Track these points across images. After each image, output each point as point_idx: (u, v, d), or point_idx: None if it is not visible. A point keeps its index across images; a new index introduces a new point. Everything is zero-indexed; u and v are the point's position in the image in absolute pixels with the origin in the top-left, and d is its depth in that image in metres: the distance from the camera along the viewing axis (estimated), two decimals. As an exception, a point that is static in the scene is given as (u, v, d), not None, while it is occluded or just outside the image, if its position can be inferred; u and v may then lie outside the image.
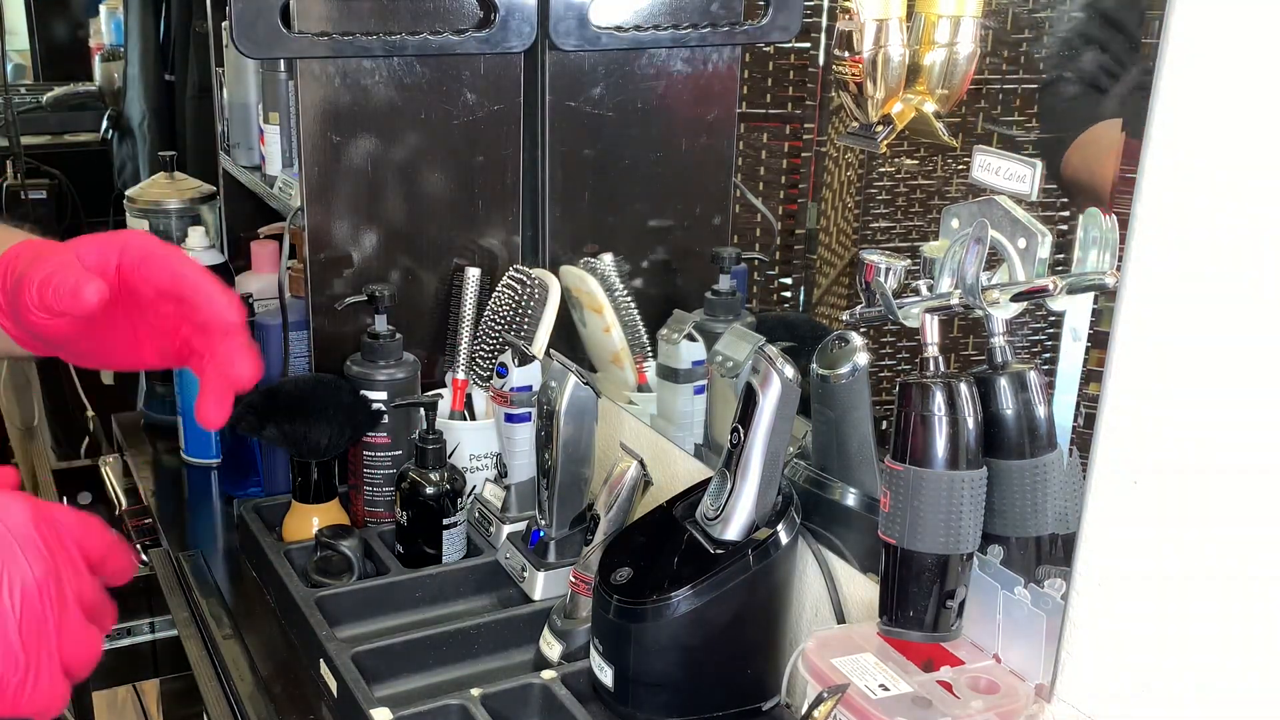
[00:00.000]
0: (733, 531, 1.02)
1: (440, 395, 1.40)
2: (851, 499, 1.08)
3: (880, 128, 1.06)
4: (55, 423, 3.33)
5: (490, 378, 1.38)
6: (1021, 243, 0.85)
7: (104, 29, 3.75)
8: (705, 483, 1.07)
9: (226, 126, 1.71)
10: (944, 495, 0.84)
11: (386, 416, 1.37)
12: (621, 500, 1.14)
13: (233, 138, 1.69)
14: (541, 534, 1.25)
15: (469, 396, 1.45)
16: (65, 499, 2.38)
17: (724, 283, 1.33)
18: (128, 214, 1.82)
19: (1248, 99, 0.70)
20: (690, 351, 1.33)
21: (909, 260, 0.90)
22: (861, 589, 1.05)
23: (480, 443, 1.41)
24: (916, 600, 0.86)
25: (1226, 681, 0.76)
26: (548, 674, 1.08)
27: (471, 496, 1.39)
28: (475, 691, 1.05)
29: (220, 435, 1.65)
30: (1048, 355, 0.89)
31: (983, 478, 0.85)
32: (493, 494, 1.36)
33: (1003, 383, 0.86)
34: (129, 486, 1.76)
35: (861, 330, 1.03)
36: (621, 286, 1.42)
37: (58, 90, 3.71)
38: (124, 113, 3.16)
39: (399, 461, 1.37)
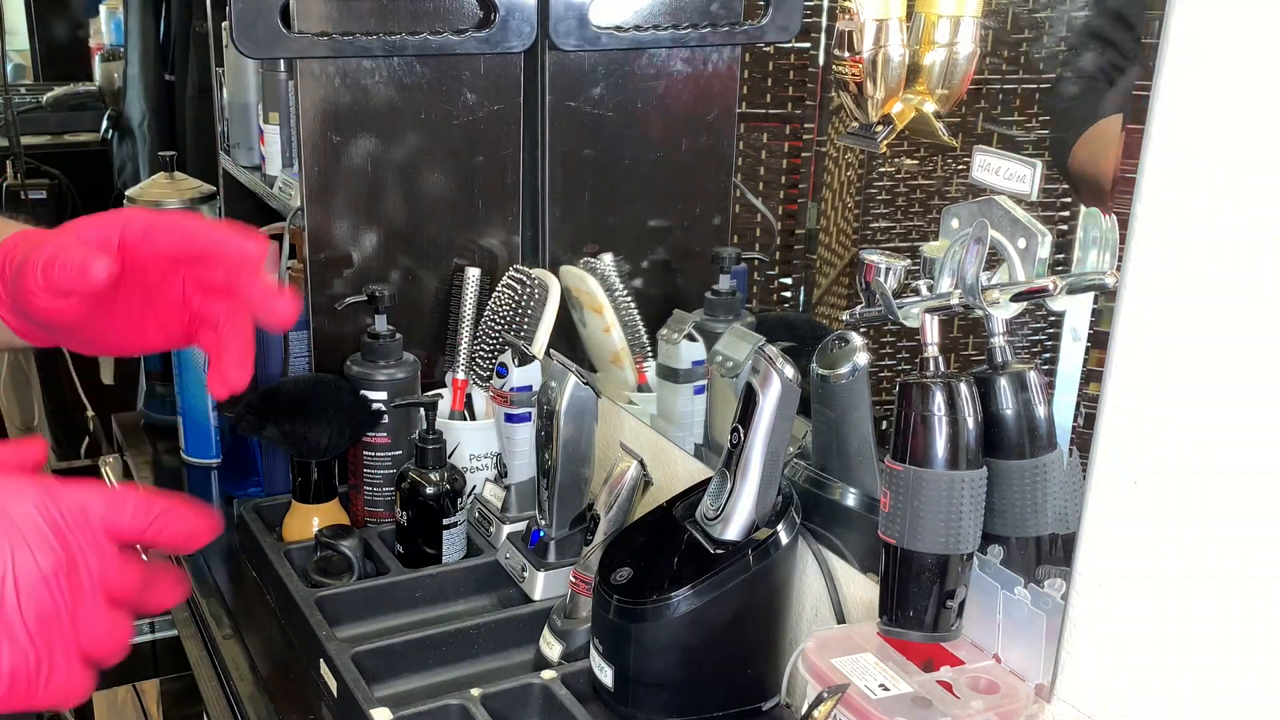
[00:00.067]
0: (733, 531, 1.02)
1: (440, 395, 1.40)
2: (851, 499, 1.08)
3: (880, 128, 1.06)
4: (55, 423, 3.33)
5: (490, 378, 1.38)
6: (1021, 243, 0.85)
7: (104, 29, 3.75)
8: (705, 483, 1.07)
9: (226, 126, 1.71)
10: (944, 495, 0.84)
11: (386, 416, 1.37)
12: (621, 500, 1.14)
13: (233, 138, 1.69)
14: (541, 534, 1.25)
15: (469, 396, 1.45)
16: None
17: (724, 283, 1.33)
18: (128, 214, 1.82)
19: (1248, 99, 0.70)
20: (690, 351, 1.33)
21: (909, 260, 0.90)
22: (861, 589, 1.05)
23: (480, 443, 1.41)
24: (916, 600, 0.86)
25: (1226, 681, 0.76)
26: (548, 674, 1.08)
27: (471, 496, 1.39)
28: (475, 691, 1.05)
29: (220, 435, 1.65)
30: (1048, 355, 0.89)
31: (983, 478, 0.85)
32: (493, 494, 1.36)
33: (1003, 383, 0.86)
34: (129, 486, 1.76)
35: (861, 330, 1.03)
36: (621, 286, 1.42)
37: (58, 90, 3.71)
38: (124, 113, 3.16)
39: (399, 461, 1.37)
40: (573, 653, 1.12)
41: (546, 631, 1.16)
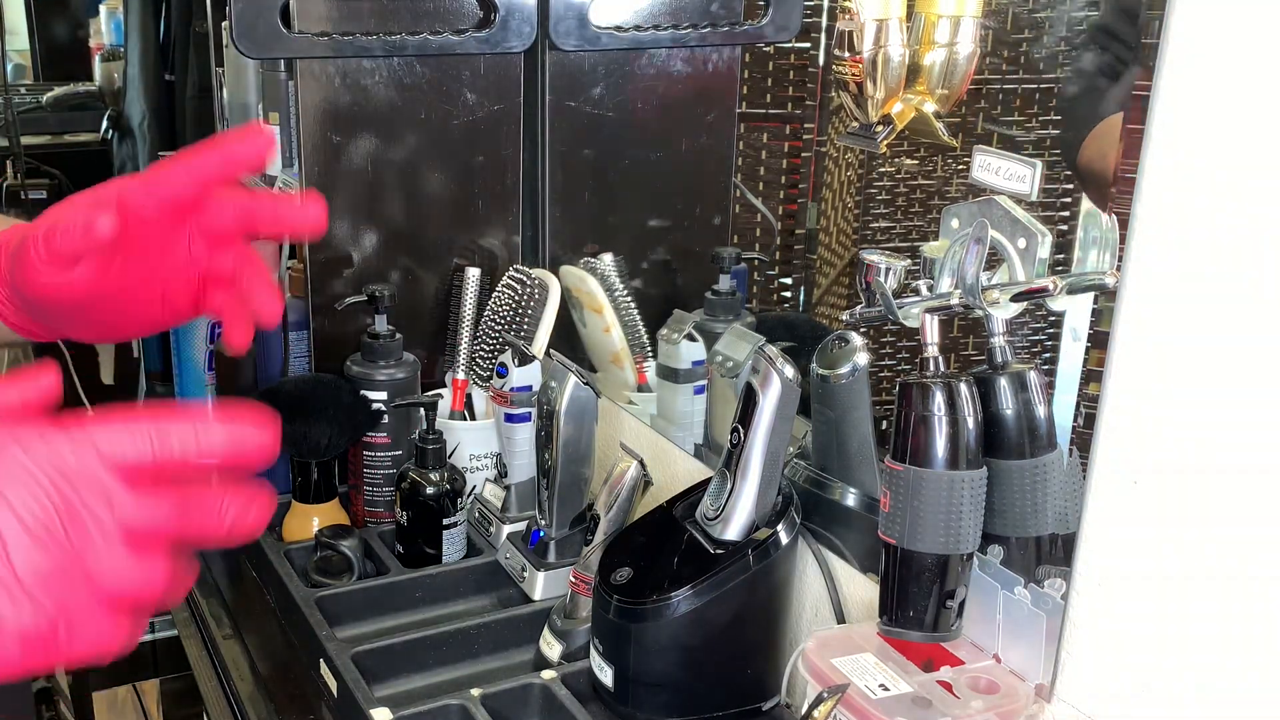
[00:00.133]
0: (733, 531, 1.02)
1: (440, 395, 1.40)
2: (851, 499, 1.08)
3: (880, 128, 1.06)
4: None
5: (490, 378, 1.38)
6: (1021, 243, 0.85)
7: (104, 29, 3.75)
8: (705, 483, 1.07)
9: (226, 126, 1.71)
10: (944, 495, 0.84)
11: (386, 416, 1.37)
12: (621, 500, 1.14)
13: (233, 138, 1.69)
14: (541, 534, 1.25)
15: (469, 396, 1.45)
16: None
17: (724, 283, 1.33)
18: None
19: (1248, 99, 0.70)
20: (690, 351, 1.33)
21: (909, 260, 0.90)
22: (861, 589, 1.05)
23: (480, 443, 1.41)
24: (916, 600, 0.86)
25: (1226, 681, 0.76)
26: (548, 674, 1.08)
27: (471, 496, 1.39)
28: (475, 691, 1.05)
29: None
30: (1048, 355, 0.89)
31: (983, 478, 0.85)
32: (493, 494, 1.36)
33: (1003, 383, 0.86)
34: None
35: (861, 330, 1.03)
36: (621, 286, 1.42)
37: (58, 90, 3.71)
38: (124, 113, 3.16)
39: (399, 461, 1.37)
40: (573, 653, 1.12)
41: (546, 631, 1.16)
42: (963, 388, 0.84)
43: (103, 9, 3.74)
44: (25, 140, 3.31)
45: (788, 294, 1.38)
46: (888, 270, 0.90)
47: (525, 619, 1.20)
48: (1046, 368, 0.87)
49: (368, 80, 1.41)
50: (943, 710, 0.85)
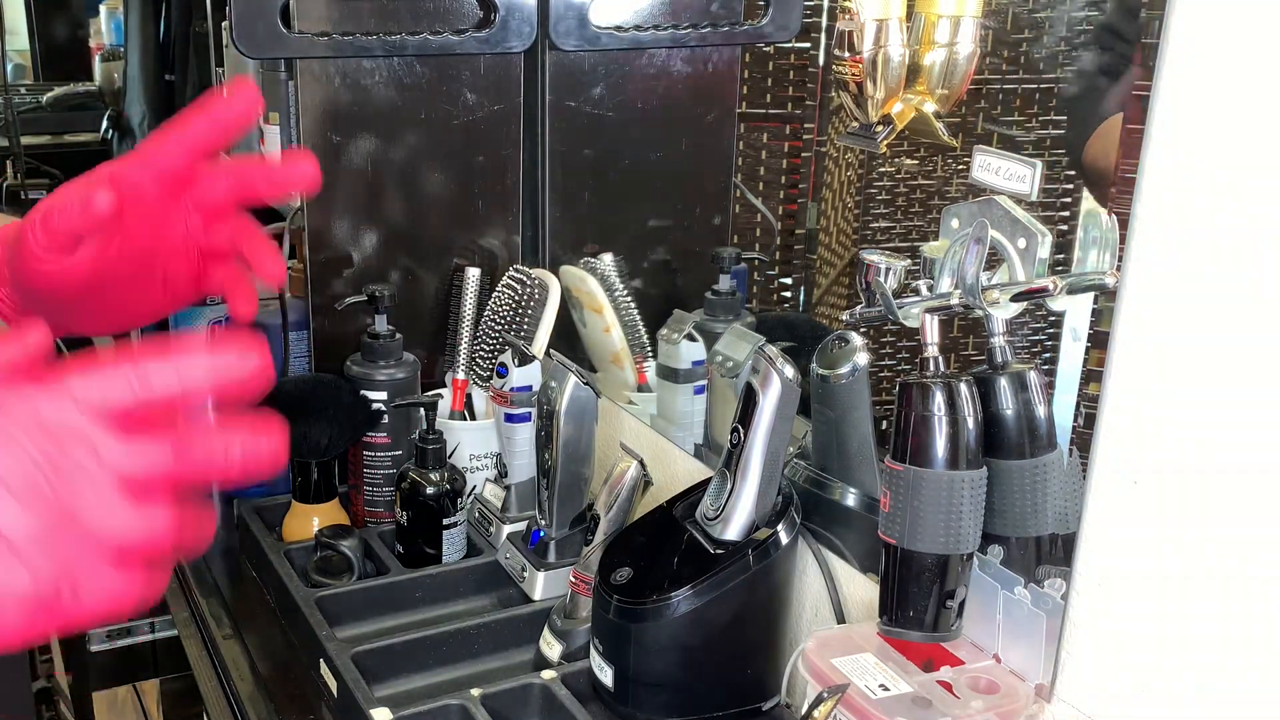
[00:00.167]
0: (733, 531, 1.02)
1: (440, 395, 1.40)
2: (851, 499, 1.08)
3: (880, 128, 1.06)
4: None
5: (490, 378, 1.38)
6: (1021, 243, 0.85)
7: (104, 29, 3.75)
8: (705, 483, 1.07)
9: (226, 126, 1.70)
10: (944, 495, 0.84)
11: (386, 416, 1.37)
12: (621, 500, 1.14)
13: (233, 138, 1.69)
14: (541, 534, 1.25)
15: (469, 396, 1.45)
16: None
17: (724, 283, 1.33)
18: (128, 214, 1.82)
19: (1247, 99, 0.70)
20: (690, 351, 1.33)
21: (909, 260, 0.90)
22: (861, 589, 1.05)
23: (480, 443, 1.41)
24: (916, 600, 0.86)
25: (1226, 681, 0.76)
26: (548, 674, 1.08)
27: (471, 496, 1.39)
28: (475, 691, 1.05)
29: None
30: (1048, 355, 0.89)
31: (983, 478, 0.85)
32: (493, 494, 1.36)
33: (1003, 383, 0.86)
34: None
35: (861, 330, 1.03)
36: (621, 286, 1.42)
37: (58, 90, 3.71)
38: (124, 113, 3.16)
39: (399, 461, 1.37)
40: (573, 653, 1.12)
41: (546, 631, 1.16)
42: (963, 388, 0.84)
43: (103, 9, 3.74)
44: (25, 140, 3.31)
45: (788, 294, 1.38)
46: (888, 270, 0.89)
47: (525, 619, 1.20)
48: (1046, 368, 0.87)
49: (368, 80, 1.41)
50: (943, 710, 0.85)
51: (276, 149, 1.55)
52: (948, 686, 0.88)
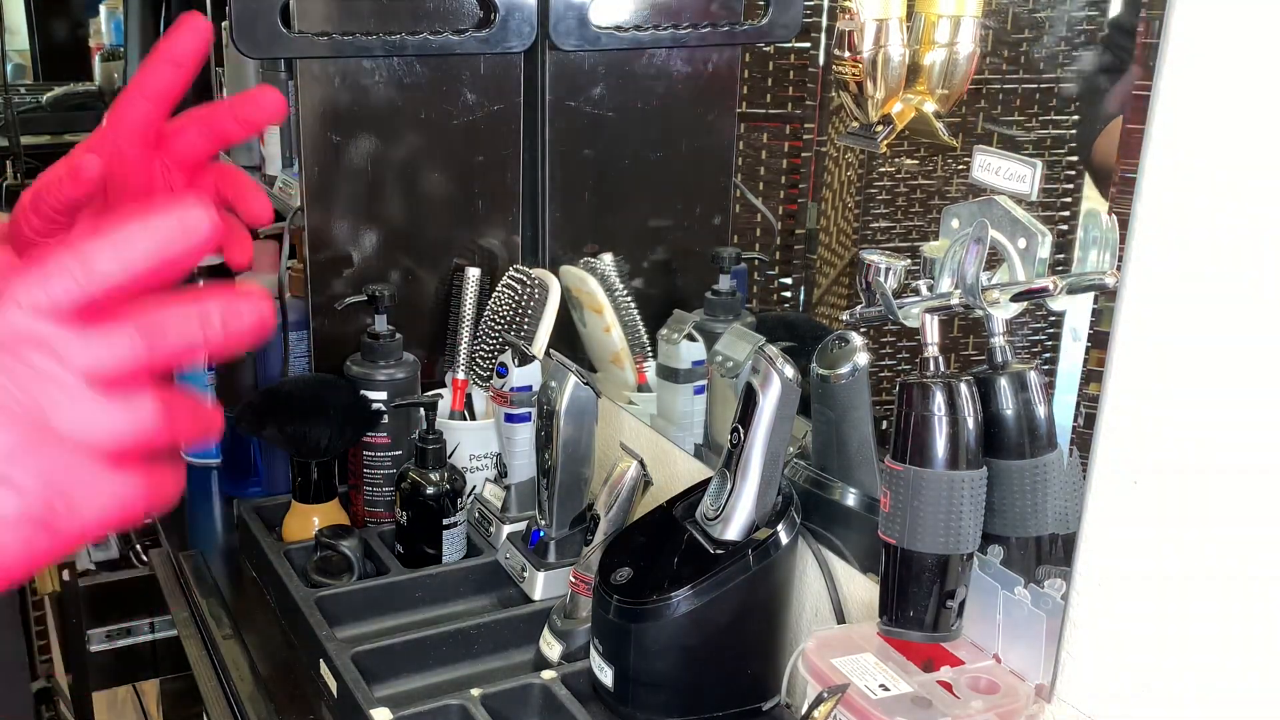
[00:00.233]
0: (733, 531, 1.02)
1: (440, 395, 1.40)
2: (851, 499, 1.08)
3: (880, 128, 1.06)
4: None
5: (490, 378, 1.38)
6: (1021, 243, 0.85)
7: (104, 29, 3.75)
8: (705, 483, 1.07)
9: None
10: (944, 495, 0.84)
11: (386, 416, 1.37)
12: (621, 500, 1.14)
13: (233, 138, 1.69)
14: (541, 534, 1.25)
15: (469, 396, 1.45)
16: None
17: (724, 283, 1.33)
18: (128, 214, 1.82)
19: (1248, 99, 0.70)
20: (690, 351, 1.33)
21: (909, 260, 0.90)
22: (861, 589, 1.05)
23: (480, 443, 1.41)
24: (916, 600, 0.86)
25: (1226, 681, 0.76)
26: (548, 674, 1.08)
27: (471, 496, 1.39)
28: (475, 691, 1.05)
29: (220, 435, 1.65)
30: (1048, 355, 0.89)
31: (983, 478, 0.85)
32: (493, 494, 1.36)
33: (1003, 383, 0.86)
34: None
35: (861, 330, 1.03)
36: (621, 286, 1.42)
37: (58, 90, 3.71)
38: (124, 113, 3.15)
39: (399, 461, 1.37)
40: (573, 653, 1.12)
41: (546, 631, 1.16)
42: (963, 388, 0.84)
43: (103, 9, 3.74)
44: (25, 140, 3.32)
45: (788, 294, 1.38)
46: (888, 270, 0.89)
47: (525, 619, 1.20)
48: (1046, 368, 0.87)
49: (368, 80, 1.41)
50: (943, 710, 0.85)
51: (277, 149, 1.55)
52: (948, 686, 0.88)
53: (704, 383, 1.33)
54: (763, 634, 1.06)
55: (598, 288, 1.40)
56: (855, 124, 1.08)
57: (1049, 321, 0.89)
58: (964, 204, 0.90)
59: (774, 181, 1.42)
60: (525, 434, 1.30)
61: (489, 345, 1.42)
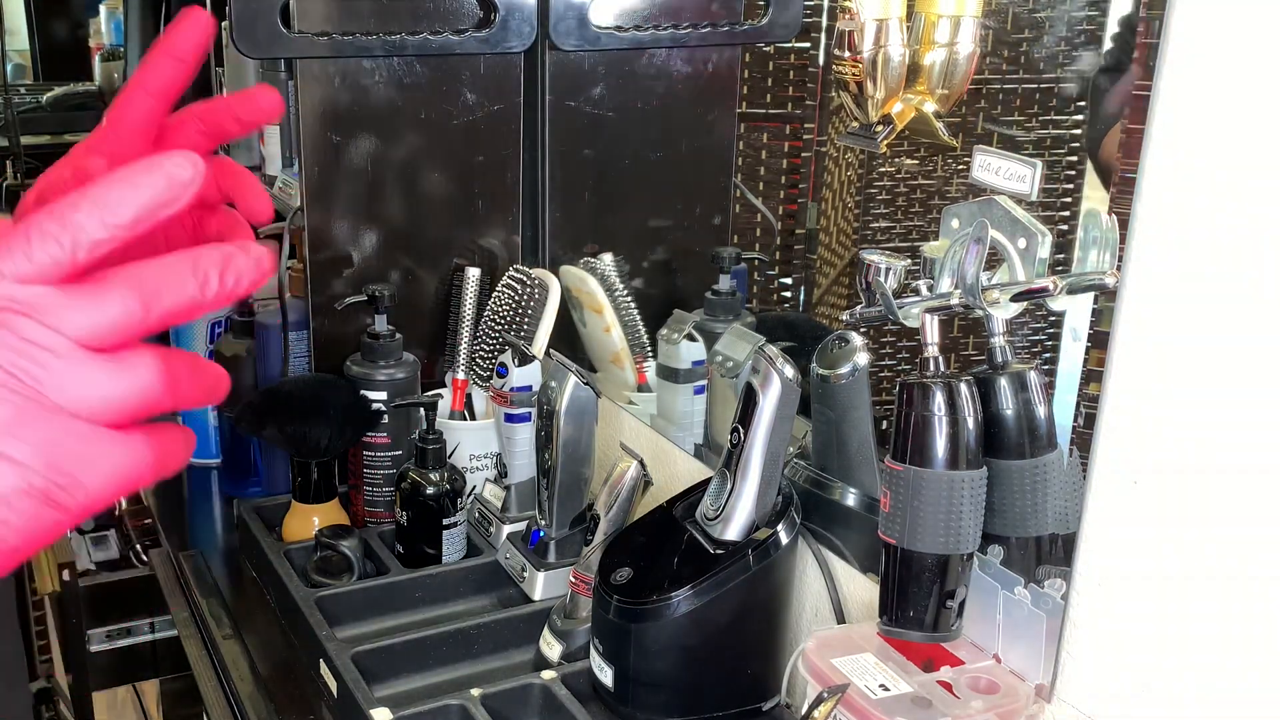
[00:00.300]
0: (733, 531, 1.02)
1: (440, 395, 1.40)
2: (851, 499, 1.08)
3: (880, 128, 1.06)
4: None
5: (490, 378, 1.38)
6: (1021, 243, 0.85)
7: (104, 29, 3.75)
8: (705, 483, 1.07)
9: (226, 126, 1.71)
10: (944, 495, 0.84)
11: (386, 416, 1.37)
12: (621, 500, 1.14)
13: (233, 138, 1.69)
14: (541, 534, 1.25)
15: (469, 396, 1.45)
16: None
17: (724, 283, 1.33)
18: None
19: (1247, 99, 0.70)
20: (690, 351, 1.33)
21: (909, 260, 0.90)
22: (861, 589, 1.05)
23: (480, 443, 1.41)
24: (916, 600, 0.86)
25: (1226, 681, 0.76)
26: (548, 674, 1.08)
27: (471, 496, 1.39)
28: (475, 691, 1.05)
29: (220, 435, 1.65)
30: (1048, 355, 0.89)
31: (983, 478, 0.85)
32: (493, 494, 1.36)
33: (1003, 383, 0.86)
34: (129, 487, 1.76)
35: (861, 330, 1.03)
36: (621, 286, 1.42)
37: (58, 90, 3.71)
38: (124, 113, 3.15)
39: (399, 461, 1.37)
40: (573, 653, 1.12)
41: (546, 631, 1.16)
42: (963, 388, 0.84)
43: (103, 9, 3.74)
44: (25, 140, 3.31)
45: (788, 294, 1.38)
46: (888, 270, 0.89)
47: (525, 619, 1.20)
48: (1046, 368, 0.87)
49: (368, 80, 1.41)
50: (943, 710, 0.85)
51: (277, 149, 1.55)
52: (948, 686, 0.88)
53: (704, 383, 1.33)
54: (763, 634, 1.06)
55: (598, 288, 1.40)
56: (855, 124, 1.08)
57: (1049, 321, 0.89)
58: (964, 204, 0.90)
59: (774, 181, 1.42)
60: (525, 434, 1.30)
61: (489, 345, 1.42)
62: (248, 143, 1.66)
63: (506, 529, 1.32)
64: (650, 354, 1.42)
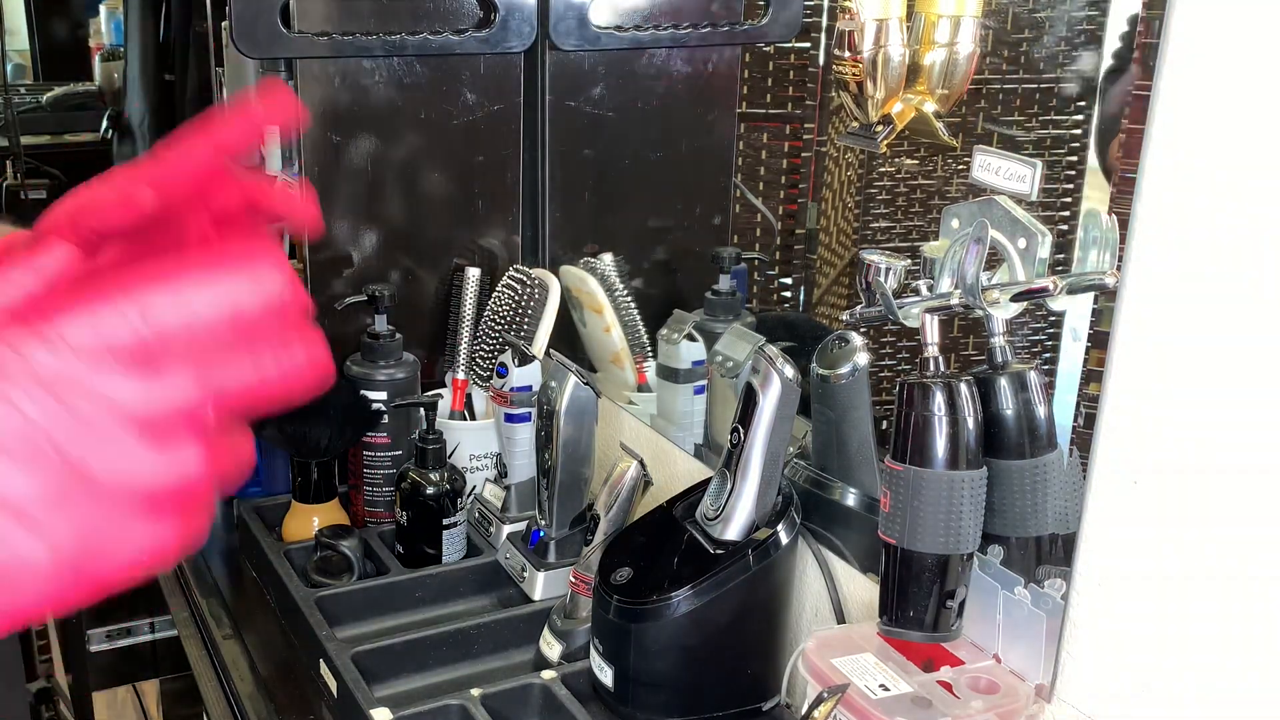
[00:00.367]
0: (733, 531, 1.02)
1: (440, 395, 1.40)
2: (851, 499, 1.08)
3: (880, 128, 1.06)
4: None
5: (490, 378, 1.38)
6: (1021, 243, 0.85)
7: (104, 29, 3.75)
8: (705, 483, 1.07)
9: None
10: (944, 495, 0.84)
11: (386, 416, 1.37)
12: (621, 500, 1.14)
13: (233, 138, 1.69)
14: (541, 534, 1.25)
15: (469, 396, 1.45)
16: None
17: (724, 283, 1.33)
18: (128, 214, 1.82)
19: (1247, 99, 0.70)
20: (690, 351, 1.33)
21: (909, 260, 0.90)
22: (861, 589, 1.05)
23: (480, 443, 1.41)
24: (916, 600, 0.86)
25: (1226, 681, 0.76)
26: (548, 674, 1.08)
27: (471, 496, 1.39)
28: (475, 691, 1.05)
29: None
30: (1048, 355, 0.89)
31: (983, 478, 0.85)
32: (493, 494, 1.36)
33: (1003, 383, 0.86)
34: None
35: (861, 330, 1.03)
36: (621, 286, 1.42)
37: (58, 90, 3.71)
38: (124, 113, 3.16)
39: (399, 461, 1.37)
40: (573, 653, 1.12)
41: (546, 631, 1.16)
42: (963, 388, 0.84)
43: (103, 9, 3.74)
44: (25, 140, 3.32)
45: (788, 294, 1.38)
46: (888, 270, 0.89)
47: (525, 619, 1.20)
48: (1046, 368, 0.87)
49: (368, 80, 1.41)
50: (943, 710, 0.85)
51: (276, 148, 1.55)
52: (948, 686, 0.88)
53: (704, 383, 1.33)
54: (763, 634, 1.06)
55: (598, 288, 1.40)
56: (855, 124, 1.08)
57: (1049, 321, 0.89)
58: (964, 204, 0.90)
59: (774, 181, 1.42)
60: (525, 434, 1.30)
61: (489, 345, 1.42)
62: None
63: (506, 529, 1.32)
64: (650, 354, 1.42)
